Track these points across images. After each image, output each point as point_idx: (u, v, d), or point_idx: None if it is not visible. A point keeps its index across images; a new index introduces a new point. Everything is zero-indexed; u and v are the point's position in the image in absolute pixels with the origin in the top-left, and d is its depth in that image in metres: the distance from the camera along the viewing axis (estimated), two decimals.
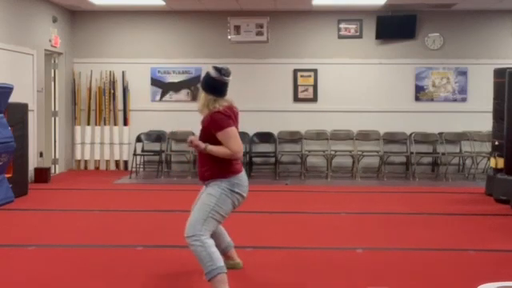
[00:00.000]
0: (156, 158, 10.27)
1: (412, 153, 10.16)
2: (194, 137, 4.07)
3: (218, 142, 3.92)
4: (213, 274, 3.81)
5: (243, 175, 4.08)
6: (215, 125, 3.90)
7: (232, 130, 3.92)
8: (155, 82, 10.68)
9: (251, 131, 10.41)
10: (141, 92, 10.69)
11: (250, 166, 10.13)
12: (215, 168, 3.97)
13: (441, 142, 10.24)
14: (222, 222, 4.13)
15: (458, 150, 10.41)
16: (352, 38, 10.64)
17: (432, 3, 9.95)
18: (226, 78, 4.00)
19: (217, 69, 4.00)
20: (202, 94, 4.02)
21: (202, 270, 3.89)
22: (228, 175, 3.96)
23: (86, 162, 10.84)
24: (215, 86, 3.99)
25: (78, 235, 5.78)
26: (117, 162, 10.84)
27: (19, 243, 5.42)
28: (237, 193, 3.99)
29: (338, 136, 10.42)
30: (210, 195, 3.94)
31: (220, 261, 3.86)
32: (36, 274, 4.46)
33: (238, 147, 3.93)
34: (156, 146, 10.33)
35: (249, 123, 10.34)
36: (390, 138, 10.46)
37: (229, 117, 3.95)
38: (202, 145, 3.95)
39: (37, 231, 6.00)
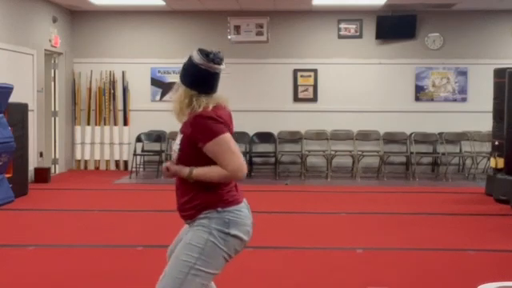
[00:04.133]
0: (156, 158, 10.27)
1: (412, 153, 10.16)
2: (169, 162, 2.73)
3: (205, 160, 2.61)
4: None
5: (243, 207, 2.69)
6: (202, 133, 2.58)
7: (227, 137, 2.60)
8: (155, 82, 10.68)
9: (251, 131, 10.40)
10: (141, 92, 10.69)
11: (250, 166, 10.12)
12: (201, 198, 2.62)
13: (441, 142, 10.23)
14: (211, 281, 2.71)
15: (458, 150, 10.41)
16: (352, 38, 10.64)
17: (432, 3, 9.95)
18: (216, 65, 2.66)
19: (203, 52, 2.66)
20: (179, 90, 2.69)
21: None
22: (220, 206, 2.61)
23: (86, 161, 10.84)
24: (201, 76, 2.65)
25: (78, 235, 5.78)
26: (117, 162, 10.84)
27: (19, 243, 5.42)
28: (234, 236, 2.60)
29: (337, 136, 10.42)
30: (190, 245, 2.57)
31: None
32: (36, 274, 4.46)
33: (238, 164, 2.62)
34: (156, 146, 10.32)
35: (249, 123, 10.36)
36: (390, 138, 10.45)
37: (221, 121, 2.62)
38: (185, 170, 2.62)
39: (37, 231, 6.00)
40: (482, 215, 6.94)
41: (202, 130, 2.59)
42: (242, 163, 2.64)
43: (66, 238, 5.64)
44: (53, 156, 10.38)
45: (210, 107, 2.62)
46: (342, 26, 10.64)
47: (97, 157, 10.83)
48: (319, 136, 10.43)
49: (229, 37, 10.61)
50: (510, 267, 4.79)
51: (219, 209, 2.60)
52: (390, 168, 10.39)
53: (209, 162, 2.60)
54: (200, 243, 2.56)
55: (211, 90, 2.68)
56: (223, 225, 2.58)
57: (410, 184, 9.45)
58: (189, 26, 10.63)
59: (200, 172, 2.61)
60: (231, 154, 2.61)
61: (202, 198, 2.62)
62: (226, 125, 2.64)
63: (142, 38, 10.71)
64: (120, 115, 10.78)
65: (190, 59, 2.68)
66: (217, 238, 2.57)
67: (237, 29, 10.62)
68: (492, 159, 8.22)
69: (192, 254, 2.55)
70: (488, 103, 8.59)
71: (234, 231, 2.60)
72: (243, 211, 2.66)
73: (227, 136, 2.61)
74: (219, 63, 2.67)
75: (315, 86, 10.64)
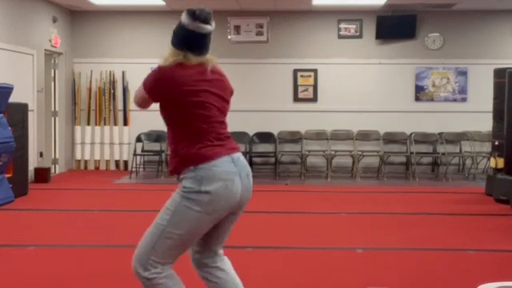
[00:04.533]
0: (156, 157, 10.27)
1: (412, 153, 10.16)
2: None
3: (169, 116, 2.69)
4: None
5: (222, 161, 2.60)
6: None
7: (145, 89, 2.67)
8: None
9: (251, 131, 10.41)
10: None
11: (250, 166, 10.10)
12: (179, 154, 2.63)
13: (441, 141, 10.23)
14: (191, 245, 2.73)
15: (458, 150, 10.41)
16: (352, 38, 10.64)
17: (432, 3, 9.95)
18: (203, 24, 2.62)
19: (190, 12, 2.65)
20: (168, 51, 2.72)
21: None
22: (193, 164, 2.57)
23: (86, 161, 10.84)
24: (186, 36, 2.64)
25: (78, 235, 5.78)
26: (117, 162, 10.84)
27: (19, 243, 5.41)
28: (206, 192, 2.54)
29: (338, 136, 10.42)
30: (165, 208, 2.64)
31: None
32: (36, 274, 4.46)
33: (136, 98, 2.73)
34: (156, 146, 10.32)
35: (249, 123, 10.36)
36: (390, 138, 10.45)
37: (160, 78, 2.61)
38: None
39: (37, 231, 6.00)
40: (482, 215, 6.94)
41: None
42: (139, 99, 2.71)
43: (66, 238, 5.64)
44: (53, 156, 10.38)
45: (168, 63, 2.63)
46: (342, 25, 10.64)
47: (97, 157, 10.83)
48: (319, 136, 10.43)
49: (229, 37, 10.61)
50: (510, 267, 4.79)
51: (192, 167, 2.57)
52: (390, 168, 10.39)
53: (173, 115, 2.64)
54: (172, 206, 2.60)
55: (199, 51, 2.66)
56: (195, 183, 2.56)
57: (410, 184, 9.45)
58: None
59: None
60: (139, 90, 2.68)
61: (180, 154, 2.61)
62: (175, 83, 2.59)
63: (141, 37, 10.71)
64: (120, 115, 10.78)
65: (179, 22, 2.69)
66: (189, 200, 2.55)
67: (237, 29, 10.62)
68: (492, 159, 8.22)
69: (165, 216, 2.60)
70: (488, 103, 8.59)
71: (206, 187, 2.55)
72: (220, 165, 2.59)
73: (147, 90, 2.64)
74: (206, 22, 2.64)
75: (315, 86, 10.64)
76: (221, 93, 2.72)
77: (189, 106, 2.62)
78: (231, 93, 2.84)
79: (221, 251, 2.85)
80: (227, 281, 2.80)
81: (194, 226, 2.59)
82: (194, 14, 2.62)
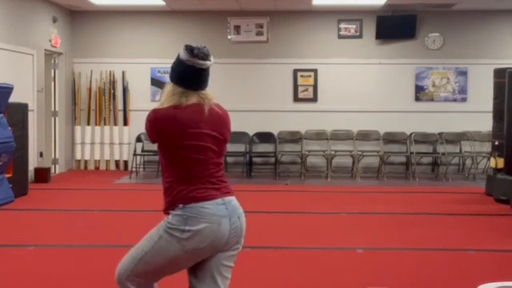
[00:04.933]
0: (156, 158, 10.26)
1: (412, 153, 10.16)
2: None
3: (164, 158, 2.75)
4: None
5: (212, 204, 2.62)
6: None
7: (158, 141, 2.73)
8: (155, 82, 10.67)
9: (251, 131, 10.40)
10: (141, 92, 10.69)
11: (250, 166, 10.13)
12: (171, 193, 2.68)
13: (441, 141, 10.23)
14: (170, 274, 2.73)
15: (458, 150, 10.41)
16: (352, 38, 10.64)
17: (432, 3, 9.95)
18: (200, 61, 2.63)
19: (188, 48, 2.64)
20: (168, 87, 2.70)
21: None
22: (182, 203, 2.61)
23: (86, 161, 10.84)
24: (184, 72, 2.65)
25: (78, 235, 5.78)
26: (117, 162, 10.84)
27: (19, 243, 5.42)
28: (189, 231, 2.57)
29: (338, 136, 10.41)
30: (149, 235, 2.68)
31: None
32: (36, 274, 4.46)
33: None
34: (156, 146, 10.29)
35: (249, 123, 10.36)
36: (390, 138, 10.45)
37: (164, 122, 2.63)
38: None
39: (37, 231, 6.00)
40: (482, 215, 6.94)
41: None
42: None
43: (66, 238, 5.64)
44: (53, 156, 10.38)
45: (163, 106, 2.64)
46: (342, 25, 10.64)
47: (97, 157, 10.83)
48: (319, 136, 10.43)
49: (229, 37, 10.61)
50: (510, 267, 4.79)
51: (180, 205, 2.60)
52: (390, 168, 10.39)
53: (170, 157, 2.70)
54: (155, 236, 2.63)
55: (197, 87, 2.66)
56: (181, 221, 2.58)
57: (410, 184, 9.45)
58: (189, 26, 10.62)
59: None
60: (146, 121, 2.71)
61: (172, 194, 2.64)
62: (169, 125, 2.62)
63: (141, 37, 10.71)
64: (120, 115, 10.78)
65: (177, 56, 2.68)
66: (171, 236, 2.58)
67: (237, 29, 10.62)
68: (492, 159, 8.22)
69: (147, 244, 2.64)
70: (488, 103, 8.59)
71: (190, 227, 2.57)
72: (209, 207, 2.60)
73: (147, 133, 2.73)
74: (204, 58, 2.64)
75: (315, 86, 10.64)
76: (218, 134, 2.70)
77: (184, 149, 2.64)
78: (230, 133, 2.81)
79: None
80: None
81: (171, 261, 2.63)
82: (192, 51, 2.63)
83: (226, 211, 2.65)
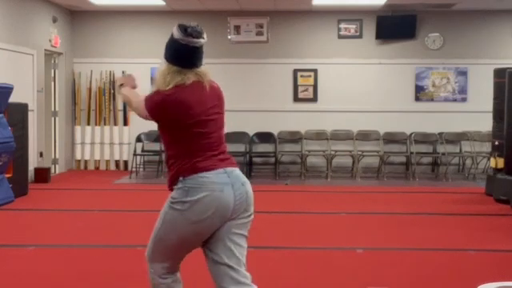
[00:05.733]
0: (156, 157, 10.26)
1: (412, 153, 10.16)
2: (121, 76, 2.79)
3: (168, 135, 2.77)
4: None
5: (213, 173, 2.64)
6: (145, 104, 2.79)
7: (149, 98, 2.77)
8: None
9: (251, 131, 10.40)
10: (141, 92, 10.63)
11: (250, 166, 10.13)
12: (174, 168, 2.73)
13: (441, 141, 10.23)
14: (187, 251, 2.78)
15: (458, 150, 10.41)
16: (352, 38, 10.64)
17: (432, 3, 9.95)
18: (194, 39, 2.67)
19: (181, 27, 2.69)
20: (163, 66, 2.77)
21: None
22: (183, 175, 2.66)
23: (86, 161, 10.84)
24: (179, 51, 2.69)
25: (78, 235, 5.78)
26: (117, 162, 10.84)
27: (19, 243, 5.42)
28: (191, 202, 2.62)
29: (338, 136, 10.41)
30: (159, 216, 2.75)
31: None
32: (36, 274, 4.46)
33: (143, 107, 2.79)
34: (156, 146, 10.31)
35: (249, 123, 10.36)
36: (390, 138, 10.45)
37: (171, 104, 2.65)
38: (118, 82, 3.05)
39: (37, 231, 6.00)
40: (482, 215, 6.94)
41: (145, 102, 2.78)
42: (144, 110, 2.78)
43: (66, 238, 5.64)
44: (53, 156, 10.38)
45: (168, 87, 2.67)
46: (342, 25, 10.64)
47: (97, 157, 10.83)
48: (319, 136, 10.43)
49: (229, 37, 10.61)
50: (510, 267, 4.79)
51: (181, 178, 2.65)
52: (390, 168, 10.39)
53: (170, 135, 2.72)
54: (162, 215, 2.70)
55: (193, 65, 2.71)
56: (182, 193, 2.63)
57: (410, 184, 9.45)
58: None
59: (125, 91, 3.01)
60: (141, 107, 2.80)
61: (175, 169, 2.70)
62: (176, 105, 2.64)
63: (141, 37, 10.71)
64: (120, 115, 10.78)
65: (171, 36, 2.74)
66: (174, 210, 2.64)
67: (237, 29, 10.62)
68: (492, 159, 8.22)
69: (158, 224, 2.72)
70: (488, 103, 8.59)
71: (191, 198, 2.61)
72: (209, 176, 2.63)
73: (148, 110, 2.75)
74: (197, 36, 2.68)
75: (315, 86, 10.64)
76: (217, 107, 2.76)
77: (189, 127, 2.68)
78: (224, 103, 2.86)
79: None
80: None
81: (182, 236, 2.66)
82: (185, 30, 2.67)
83: (228, 179, 2.66)
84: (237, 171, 2.74)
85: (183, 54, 2.69)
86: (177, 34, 2.69)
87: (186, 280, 2.96)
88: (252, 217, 2.79)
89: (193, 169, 2.63)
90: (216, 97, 2.76)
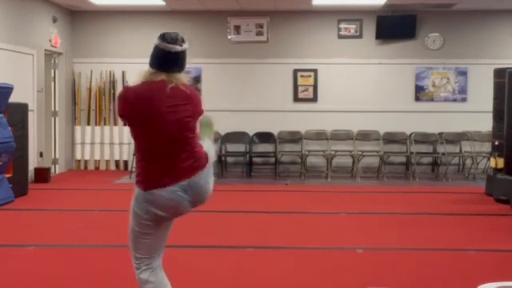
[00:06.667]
0: None
1: (412, 153, 10.16)
2: None
3: (132, 133, 2.94)
4: None
5: (170, 193, 2.86)
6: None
7: (123, 118, 2.94)
8: None
9: (251, 131, 10.40)
10: None
11: (250, 166, 10.13)
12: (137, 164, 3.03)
13: (441, 141, 10.23)
14: (151, 244, 3.00)
15: (458, 150, 10.41)
16: (352, 38, 10.64)
17: (432, 3, 9.95)
18: (169, 45, 2.87)
19: (161, 34, 2.93)
20: (145, 69, 3.00)
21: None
22: (139, 184, 2.96)
23: (86, 161, 10.84)
24: (158, 56, 2.91)
25: (78, 235, 5.78)
26: (117, 162, 10.84)
27: (19, 243, 5.42)
28: (148, 209, 2.89)
29: (338, 136, 10.42)
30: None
31: None
32: (36, 274, 4.46)
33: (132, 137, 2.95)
34: None
35: (249, 123, 10.36)
36: (390, 138, 10.45)
37: (123, 101, 2.86)
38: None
39: (37, 231, 6.00)
40: (482, 215, 6.94)
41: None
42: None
43: (66, 238, 5.64)
44: (53, 156, 10.38)
45: (138, 82, 2.91)
46: (342, 26, 10.64)
47: (97, 157, 10.83)
48: (319, 136, 10.43)
49: (229, 37, 10.61)
50: (510, 267, 4.79)
51: (140, 188, 2.93)
52: (390, 168, 10.39)
53: (136, 133, 2.92)
54: (131, 210, 2.98)
55: (167, 69, 2.89)
56: (140, 201, 2.92)
57: (410, 184, 9.45)
58: (189, 26, 10.60)
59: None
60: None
61: (136, 172, 3.01)
62: (134, 99, 2.85)
63: (141, 37, 10.68)
64: None
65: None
66: (137, 206, 2.92)
67: (237, 29, 10.62)
68: (492, 159, 8.22)
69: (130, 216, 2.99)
70: (488, 103, 8.59)
71: (149, 208, 2.88)
72: (163, 194, 2.86)
73: (119, 114, 2.94)
74: (173, 43, 2.88)
75: (315, 86, 10.64)
76: (179, 107, 2.87)
77: (142, 126, 2.87)
78: (198, 112, 2.99)
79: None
80: None
81: (141, 228, 2.93)
82: (163, 36, 2.90)
83: (186, 195, 2.89)
84: (197, 182, 2.91)
85: (159, 58, 2.90)
86: (156, 41, 2.92)
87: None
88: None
89: (150, 184, 2.88)
90: (180, 98, 2.87)
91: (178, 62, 2.91)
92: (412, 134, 10.28)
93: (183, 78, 2.92)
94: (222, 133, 10.07)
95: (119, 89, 10.72)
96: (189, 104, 2.90)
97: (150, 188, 2.85)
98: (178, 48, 2.88)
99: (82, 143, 10.81)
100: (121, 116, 2.94)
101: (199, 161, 2.91)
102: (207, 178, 2.95)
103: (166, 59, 2.88)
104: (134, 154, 2.96)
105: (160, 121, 2.81)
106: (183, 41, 2.91)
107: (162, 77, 2.86)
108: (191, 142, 2.90)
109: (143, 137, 2.88)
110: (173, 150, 2.85)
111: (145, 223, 2.90)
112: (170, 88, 2.84)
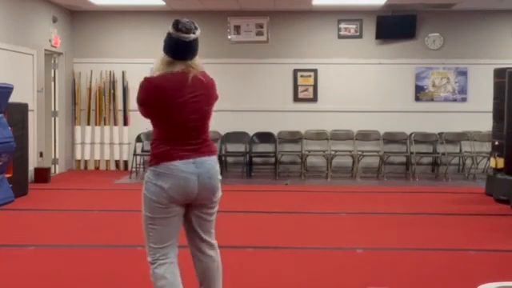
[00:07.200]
0: None
1: (412, 153, 10.16)
2: None
3: (152, 120, 3.07)
4: None
5: (183, 163, 2.94)
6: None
7: (143, 107, 3.05)
8: None
9: (251, 131, 10.40)
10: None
11: (250, 165, 10.13)
12: (151, 147, 3.08)
13: (441, 141, 10.23)
14: (170, 236, 3.07)
15: (458, 150, 10.41)
16: (352, 38, 10.64)
17: (432, 3, 9.95)
18: (184, 34, 2.94)
19: (174, 23, 2.98)
20: (159, 56, 3.07)
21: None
22: (155, 160, 2.98)
23: (86, 161, 10.84)
24: (172, 44, 2.97)
25: (78, 235, 5.78)
26: (117, 162, 10.84)
27: (19, 243, 5.42)
28: (158, 186, 2.95)
29: (338, 136, 10.42)
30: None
31: None
32: (36, 274, 4.46)
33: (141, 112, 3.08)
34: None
35: (249, 123, 10.36)
36: (390, 138, 10.45)
37: (152, 89, 2.96)
38: None
39: (37, 231, 6.00)
40: (482, 215, 6.94)
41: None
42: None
43: (66, 238, 5.64)
44: (53, 156, 10.38)
45: (156, 74, 3.00)
46: (342, 26, 10.64)
47: (97, 157, 10.83)
48: (319, 136, 10.43)
49: (229, 37, 10.61)
50: (510, 267, 4.79)
51: (154, 162, 2.98)
52: (390, 168, 10.39)
53: (156, 122, 3.04)
54: (142, 196, 3.06)
55: (183, 57, 2.99)
56: (153, 177, 2.98)
57: (410, 184, 9.45)
58: None
59: None
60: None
61: (152, 152, 3.02)
62: (159, 91, 2.94)
63: (141, 37, 10.70)
64: (120, 115, 10.78)
65: (168, 30, 3.02)
66: (147, 190, 3.00)
67: (237, 29, 10.62)
68: (492, 159, 8.22)
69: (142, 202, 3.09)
70: (488, 103, 8.59)
71: (161, 183, 2.94)
72: (176, 165, 2.93)
73: (139, 102, 3.04)
74: (187, 32, 2.95)
75: (315, 86, 10.64)
76: (200, 99, 3.01)
77: (165, 114, 2.97)
78: (214, 99, 3.15)
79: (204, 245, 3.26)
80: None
81: (155, 210, 3.01)
82: (177, 25, 2.96)
83: (196, 169, 2.97)
84: (208, 162, 3.02)
85: (174, 47, 2.98)
86: (170, 29, 2.98)
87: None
88: (216, 208, 3.17)
89: (165, 156, 2.94)
90: (199, 87, 3.01)
91: (192, 50, 3.00)
92: (412, 134, 10.28)
93: (199, 65, 3.04)
94: (222, 133, 10.09)
95: (119, 89, 10.73)
96: (207, 92, 3.06)
97: (163, 161, 2.93)
98: (191, 37, 2.96)
99: (82, 143, 10.81)
100: (141, 104, 3.03)
101: (212, 146, 3.10)
102: (216, 164, 3.08)
103: (180, 48, 2.97)
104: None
105: (183, 110, 2.94)
106: (196, 28, 2.99)
107: (181, 66, 2.97)
108: (207, 128, 3.09)
109: (163, 123, 3.00)
110: (190, 135, 2.98)
111: (155, 206, 2.97)
112: (192, 79, 2.97)
